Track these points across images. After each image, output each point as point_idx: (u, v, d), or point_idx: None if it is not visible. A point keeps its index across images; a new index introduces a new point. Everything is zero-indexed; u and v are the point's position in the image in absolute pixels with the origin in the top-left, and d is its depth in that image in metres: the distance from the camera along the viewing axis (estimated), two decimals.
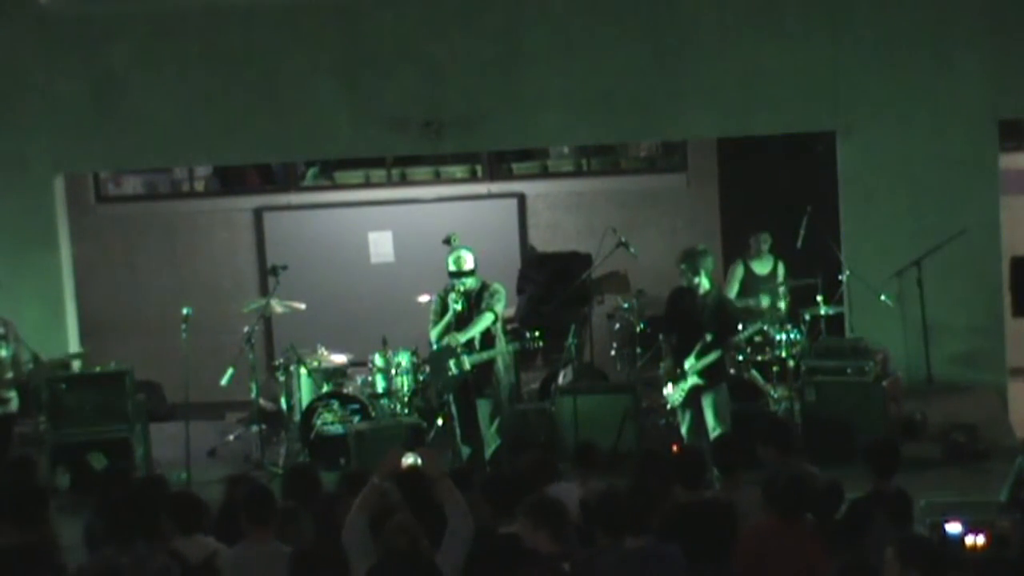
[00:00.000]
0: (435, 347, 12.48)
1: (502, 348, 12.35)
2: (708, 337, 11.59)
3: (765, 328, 12.89)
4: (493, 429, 12.29)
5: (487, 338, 12.29)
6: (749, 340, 12.29)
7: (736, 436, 10.29)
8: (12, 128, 14.49)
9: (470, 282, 12.22)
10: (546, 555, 7.47)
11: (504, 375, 12.39)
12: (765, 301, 13.66)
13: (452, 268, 12.23)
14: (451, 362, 12.22)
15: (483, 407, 12.32)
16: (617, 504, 7.78)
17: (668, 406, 12.20)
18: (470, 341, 12.24)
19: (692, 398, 11.75)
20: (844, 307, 14.03)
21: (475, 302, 12.26)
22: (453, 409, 12.52)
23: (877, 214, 14.24)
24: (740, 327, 12.31)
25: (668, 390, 11.90)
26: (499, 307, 12.29)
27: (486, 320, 12.21)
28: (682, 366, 11.70)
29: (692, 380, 11.68)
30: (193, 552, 7.97)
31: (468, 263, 12.19)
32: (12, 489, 8.56)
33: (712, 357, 11.58)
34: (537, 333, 12.68)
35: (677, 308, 11.89)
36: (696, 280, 11.66)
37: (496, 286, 12.35)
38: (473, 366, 12.21)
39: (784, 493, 8.06)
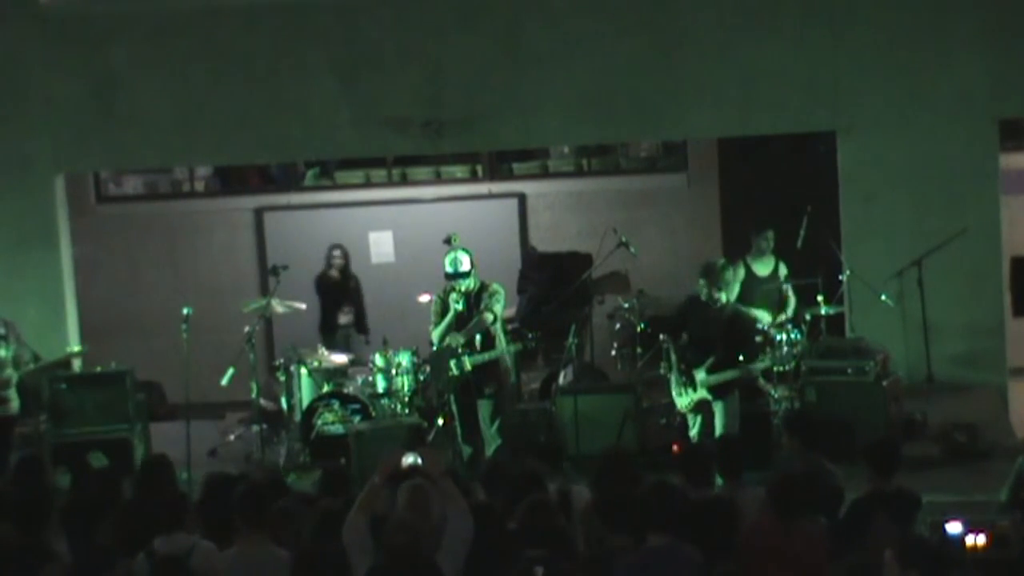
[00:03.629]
0: (436, 347, 12.48)
1: (503, 348, 12.34)
2: (721, 352, 11.63)
3: (772, 366, 12.80)
4: (494, 429, 12.30)
5: (488, 339, 12.28)
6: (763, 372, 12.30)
7: (738, 437, 10.32)
8: (12, 128, 14.48)
9: (468, 283, 12.21)
10: (527, 557, 7.50)
11: (506, 375, 12.40)
12: (765, 315, 13.59)
13: (449, 270, 12.24)
14: (452, 362, 12.22)
15: (484, 407, 12.32)
16: (638, 503, 7.82)
17: (679, 407, 12.20)
18: (471, 341, 12.24)
19: (702, 404, 11.79)
20: (844, 307, 14.03)
21: (474, 302, 12.27)
22: (454, 409, 12.52)
23: (877, 214, 14.23)
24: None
25: (675, 395, 11.95)
26: (498, 308, 12.29)
27: (485, 320, 12.21)
28: (692, 376, 11.73)
29: (701, 393, 11.71)
30: (172, 550, 7.95)
31: (464, 265, 12.19)
32: (16, 493, 8.58)
33: (728, 375, 11.62)
34: (539, 333, 12.69)
35: (690, 316, 11.94)
36: (717, 296, 11.71)
37: (495, 286, 12.35)
38: (474, 366, 12.20)
39: (783, 493, 8.08)
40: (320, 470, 9.69)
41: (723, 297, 11.78)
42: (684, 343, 11.92)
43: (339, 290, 15.19)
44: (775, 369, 13.09)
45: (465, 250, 12.30)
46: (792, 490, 8.09)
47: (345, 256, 15.42)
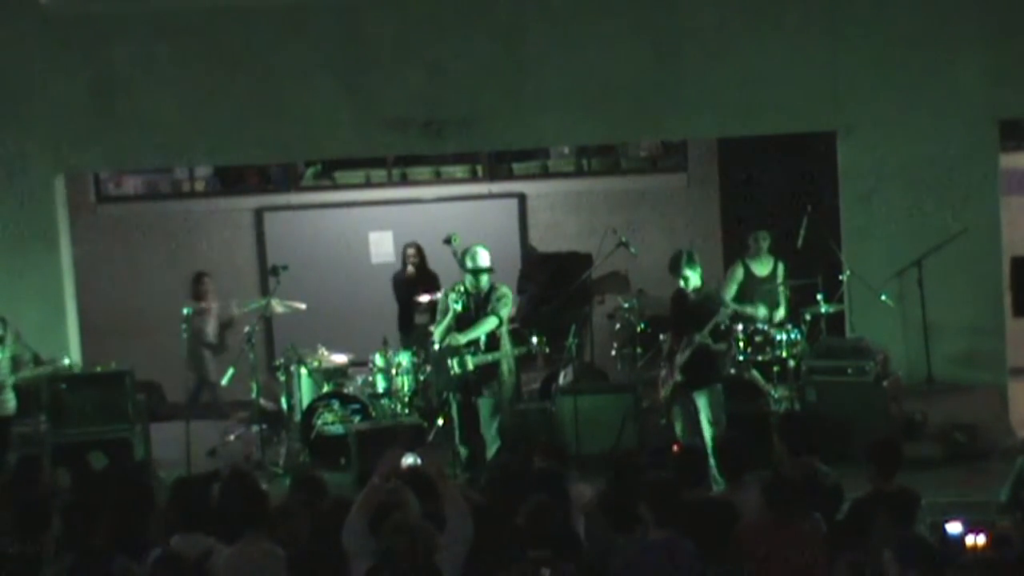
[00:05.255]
0: (436, 346, 12.48)
1: (507, 351, 12.34)
2: (692, 331, 11.73)
3: (721, 324, 12.73)
4: (494, 430, 12.27)
5: (492, 340, 12.28)
6: (712, 332, 12.21)
7: (740, 437, 10.32)
8: (12, 128, 14.47)
9: (485, 280, 12.22)
10: (531, 557, 7.51)
11: (508, 378, 12.38)
12: (762, 311, 13.61)
13: (469, 265, 12.23)
14: (453, 361, 12.21)
15: (484, 408, 12.30)
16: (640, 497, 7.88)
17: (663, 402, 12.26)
18: (475, 342, 12.24)
19: (681, 396, 11.82)
20: (844, 307, 14.03)
21: (482, 303, 12.26)
22: (453, 409, 12.51)
23: (877, 214, 14.23)
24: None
25: (662, 390, 12.02)
26: (504, 312, 12.29)
27: (489, 323, 12.21)
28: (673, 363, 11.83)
29: (677, 377, 11.77)
30: (189, 550, 7.96)
31: (484, 260, 12.21)
32: (15, 499, 8.59)
33: (687, 354, 11.67)
34: (545, 339, 12.68)
35: (674, 310, 12.05)
36: (683, 282, 11.79)
37: (504, 290, 12.36)
38: (476, 367, 12.19)
39: (779, 493, 8.08)
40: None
41: (695, 281, 11.87)
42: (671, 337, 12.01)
43: (413, 288, 14.82)
44: (775, 369, 13.12)
45: (483, 245, 12.30)
46: (786, 489, 8.09)
47: (420, 253, 15.06)
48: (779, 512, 8.01)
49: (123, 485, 9.11)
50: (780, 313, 13.79)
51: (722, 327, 12.02)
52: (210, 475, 9.37)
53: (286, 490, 10.15)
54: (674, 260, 12.05)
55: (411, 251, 14.97)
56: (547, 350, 12.85)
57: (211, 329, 15.12)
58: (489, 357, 12.23)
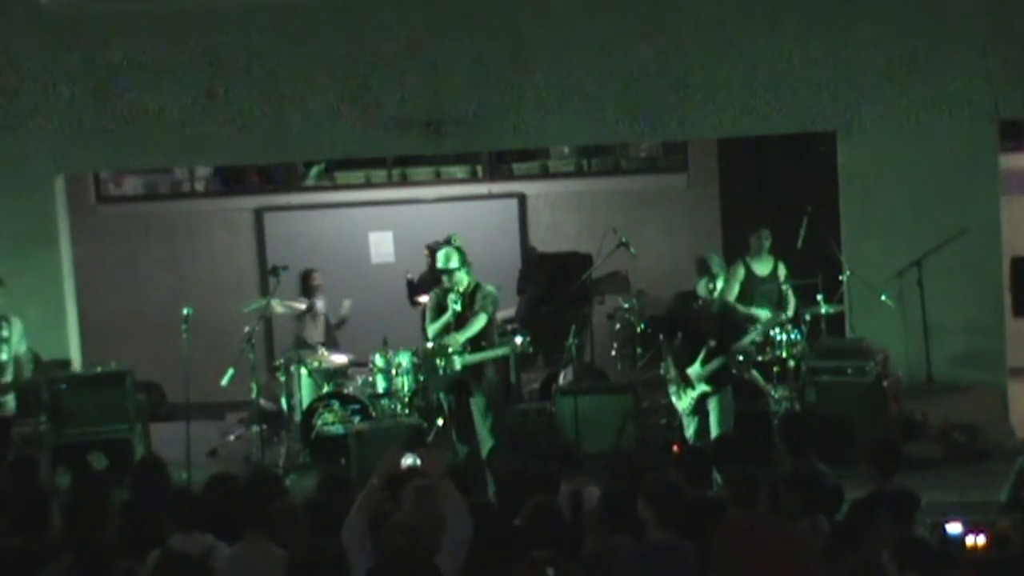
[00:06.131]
0: (429, 344, 12.47)
1: (495, 350, 12.32)
2: (712, 343, 11.63)
3: (759, 338, 12.79)
4: (487, 429, 12.24)
5: (481, 339, 12.27)
6: (752, 345, 12.28)
7: (736, 436, 10.33)
8: (12, 128, 14.48)
9: (460, 276, 12.19)
10: (536, 557, 7.51)
11: (496, 376, 12.35)
12: (765, 313, 13.61)
13: (440, 264, 12.28)
14: (442, 362, 12.20)
15: (476, 407, 12.28)
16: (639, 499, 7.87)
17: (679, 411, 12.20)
18: (464, 342, 12.24)
19: (699, 403, 11.79)
20: (844, 307, 14.03)
21: (469, 303, 12.26)
22: (445, 408, 12.52)
23: (877, 214, 14.24)
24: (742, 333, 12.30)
25: (675, 398, 11.92)
26: (491, 310, 12.28)
27: (480, 322, 12.21)
28: (686, 372, 11.72)
29: (700, 388, 11.69)
30: (189, 549, 7.96)
31: (451, 262, 12.18)
32: (14, 494, 8.59)
33: (716, 364, 11.61)
34: (529, 339, 12.66)
35: (681, 313, 11.95)
36: (712, 285, 11.67)
37: (489, 288, 12.34)
38: (464, 366, 12.18)
39: (740, 488, 8.10)
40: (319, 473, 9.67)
41: (720, 283, 11.78)
42: (677, 344, 11.92)
43: (420, 289, 14.56)
44: (775, 369, 13.12)
45: (458, 248, 12.27)
46: (745, 485, 8.09)
47: (433, 255, 14.57)
48: (742, 508, 8.00)
49: (142, 480, 9.13)
50: (788, 312, 13.76)
51: (745, 353, 12.03)
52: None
53: (297, 490, 10.17)
54: (701, 265, 11.83)
55: (425, 252, 14.91)
56: (531, 350, 12.83)
57: (320, 330, 14.68)
58: (477, 356, 12.23)
